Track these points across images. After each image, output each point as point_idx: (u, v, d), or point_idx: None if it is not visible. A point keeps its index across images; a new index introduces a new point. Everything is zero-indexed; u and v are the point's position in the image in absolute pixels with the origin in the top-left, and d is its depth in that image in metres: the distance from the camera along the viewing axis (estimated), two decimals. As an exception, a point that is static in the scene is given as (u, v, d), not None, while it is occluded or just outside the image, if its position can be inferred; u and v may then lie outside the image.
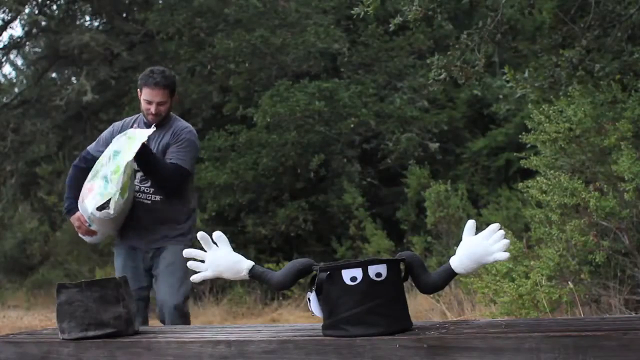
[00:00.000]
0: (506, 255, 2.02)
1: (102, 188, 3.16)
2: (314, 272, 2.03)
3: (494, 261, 2.04)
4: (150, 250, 3.45)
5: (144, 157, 3.21)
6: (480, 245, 2.03)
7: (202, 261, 2.13)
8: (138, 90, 3.47)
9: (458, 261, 2.07)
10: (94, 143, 3.61)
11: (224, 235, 2.14)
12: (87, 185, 3.28)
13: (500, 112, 8.92)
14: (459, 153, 10.73)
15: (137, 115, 3.58)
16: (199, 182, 9.98)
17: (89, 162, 3.43)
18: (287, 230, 9.71)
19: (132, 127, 3.48)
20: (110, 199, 3.13)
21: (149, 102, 3.39)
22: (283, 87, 10.01)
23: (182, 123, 3.55)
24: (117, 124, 3.59)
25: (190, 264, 2.16)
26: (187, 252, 2.16)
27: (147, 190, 3.42)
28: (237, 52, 10.67)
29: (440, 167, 10.42)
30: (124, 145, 3.18)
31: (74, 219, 3.42)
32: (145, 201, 3.41)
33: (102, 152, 3.37)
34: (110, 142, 3.38)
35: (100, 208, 3.15)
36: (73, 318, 2.11)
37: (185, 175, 3.44)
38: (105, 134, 3.57)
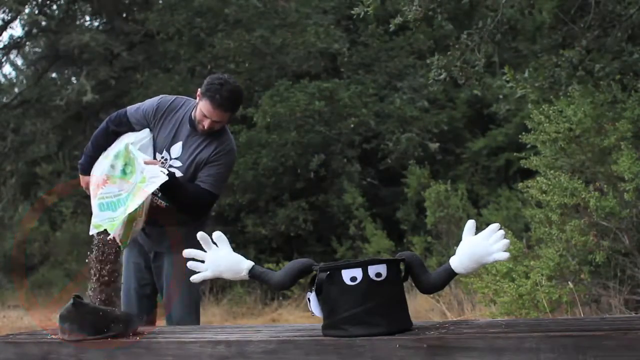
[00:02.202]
0: (506, 255, 2.02)
1: (96, 213, 2.87)
2: (314, 272, 2.03)
3: (494, 261, 2.04)
4: (152, 251, 3.25)
5: (171, 190, 2.93)
6: (480, 245, 2.03)
7: (202, 261, 2.14)
8: (199, 91, 3.07)
9: (458, 261, 2.07)
10: (134, 107, 3.20)
11: (223, 236, 2.14)
12: (100, 166, 3.00)
13: (500, 112, 8.91)
14: (459, 153, 10.73)
15: (191, 103, 3.18)
16: (199, 182, 9.98)
17: (123, 126, 3.12)
18: (287, 230, 9.71)
19: (177, 113, 3.12)
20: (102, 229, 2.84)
21: (205, 116, 3.02)
22: (283, 87, 10.02)
23: (227, 140, 3.18)
24: (165, 100, 3.18)
25: (190, 264, 2.15)
26: (187, 252, 2.16)
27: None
28: (237, 52, 10.66)
29: (440, 167, 10.43)
30: (135, 176, 2.88)
31: (82, 180, 3.15)
32: (160, 204, 3.11)
33: (138, 122, 3.09)
34: (151, 117, 3.10)
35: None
36: (73, 322, 2.11)
37: (214, 201, 3.16)
38: (148, 105, 3.17)
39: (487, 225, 2.09)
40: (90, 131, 13.63)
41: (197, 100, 3.08)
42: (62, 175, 13.38)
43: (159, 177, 2.87)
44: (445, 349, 1.73)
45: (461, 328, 1.93)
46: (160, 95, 3.26)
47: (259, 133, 9.93)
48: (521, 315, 3.89)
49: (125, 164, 2.99)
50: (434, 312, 5.90)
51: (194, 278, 2.16)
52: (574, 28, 5.72)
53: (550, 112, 4.45)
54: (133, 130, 3.15)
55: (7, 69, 18.31)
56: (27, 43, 14.38)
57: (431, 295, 5.45)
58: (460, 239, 2.09)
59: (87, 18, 14.44)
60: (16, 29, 25.33)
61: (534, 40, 8.51)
